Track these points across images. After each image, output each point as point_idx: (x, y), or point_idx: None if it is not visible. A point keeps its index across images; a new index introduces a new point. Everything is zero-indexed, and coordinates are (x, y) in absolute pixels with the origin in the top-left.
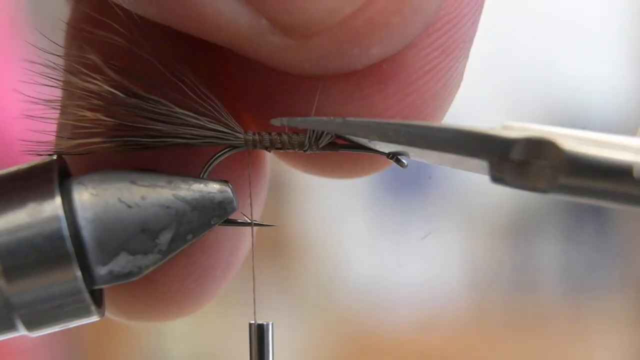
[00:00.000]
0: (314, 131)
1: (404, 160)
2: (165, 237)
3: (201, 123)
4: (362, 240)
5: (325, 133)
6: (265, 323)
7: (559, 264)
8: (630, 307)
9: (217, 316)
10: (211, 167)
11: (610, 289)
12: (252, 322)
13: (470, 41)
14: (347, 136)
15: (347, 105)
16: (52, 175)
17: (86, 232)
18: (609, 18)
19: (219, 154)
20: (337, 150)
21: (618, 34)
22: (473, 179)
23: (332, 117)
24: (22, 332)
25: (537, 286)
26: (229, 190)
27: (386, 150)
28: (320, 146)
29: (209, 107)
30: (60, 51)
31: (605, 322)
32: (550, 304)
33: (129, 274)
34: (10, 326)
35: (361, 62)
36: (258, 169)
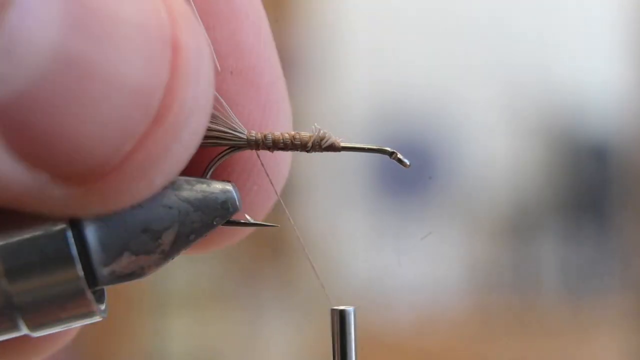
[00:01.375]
0: (319, 132)
1: (406, 160)
2: (167, 238)
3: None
4: (362, 240)
5: (328, 135)
6: (347, 309)
7: (559, 264)
8: (630, 307)
9: (217, 316)
10: (214, 167)
11: (610, 289)
12: (334, 307)
13: None
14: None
15: None
16: None
17: (89, 232)
18: (607, 17)
19: (222, 154)
20: (339, 151)
21: (617, 33)
22: (473, 179)
23: None
24: (24, 332)
25: (537, 286)
26: (232, 190)
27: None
28: (323, 147)
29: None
30: None
31: (605, 322)
32: (550, 304)
33: (131, 274)
34: (12, 326)
35: (148, 192)
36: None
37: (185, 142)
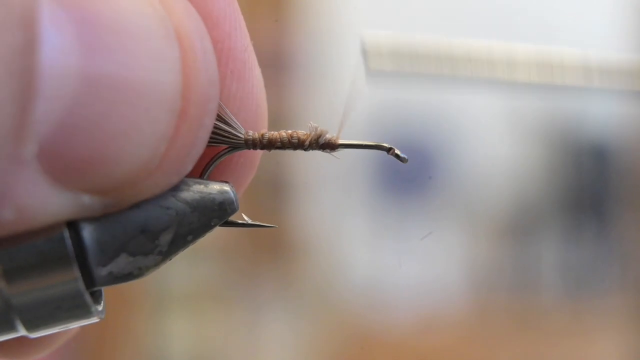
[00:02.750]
0: (315, 129)
1: (403, 155)
2: (165, 238)
3: None
4: (362, 240)
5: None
6: None
7: (559, 264)
8: (630, 307)
9: (216, 316)
10: (212, 167)
11: (610, 289)
12: None
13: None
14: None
15: None
16: None
17: (86, 233)
18: (608, 17)
19: (220, 154)
20: (336, 149)
21: (617, 32)
22: (473, 179)
23: None
24: (22, 332)
25: (537, 286)
26: (229, 191)
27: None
28: (320, 144)
29: None
30: None
31: (605, 322)
32: (550, 304)
33: (129, 275)
34: (10, 327)
35: (179, 180)
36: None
37: (207, 126)
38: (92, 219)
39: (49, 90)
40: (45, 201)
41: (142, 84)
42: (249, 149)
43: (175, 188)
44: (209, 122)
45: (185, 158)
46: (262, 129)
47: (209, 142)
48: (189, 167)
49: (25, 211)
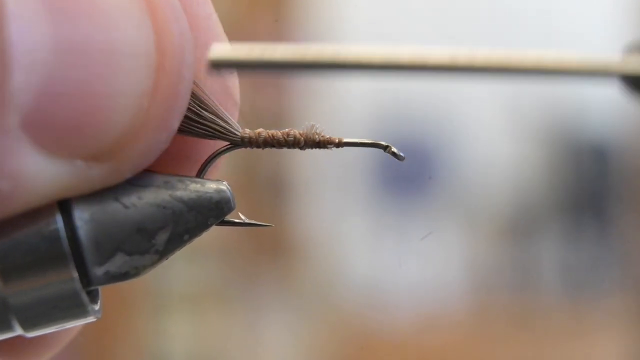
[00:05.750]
0: (311, 128)
1: (400, 154)
2: (161, 238)
3: (202, 114)
4: (362, 240)
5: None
6: None
7: (559, 264)
8: (631, 307)
9: (216, 316)
10: (208, 167)
11: (610, 289)
12: None
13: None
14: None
15: None
16: None
17: (83, 233)
18: (608, 17)
19: (217, 153)
20: (333, 147)
21: (618, 32)
22: (473, 179)
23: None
24: (18, 332)
25: (538, 286)
26: (226, 190)
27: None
28: (316, 143)
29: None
30: None
31: (605, 322)
32: (550, 304)
33: (125, 274)
34: (6, 327)
35: (170, 137)
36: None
37: (187, 78)
38: (88, 219)
39: (24, 60)
40: (39, 170)
41: (115, 44)
42: (245, 147)
43: (171, 187)
44: (187, 75)
45: (169, 112)
46: (232, 101)
47: (206, 136)
48: (175, 123)
49: (20, 180)
